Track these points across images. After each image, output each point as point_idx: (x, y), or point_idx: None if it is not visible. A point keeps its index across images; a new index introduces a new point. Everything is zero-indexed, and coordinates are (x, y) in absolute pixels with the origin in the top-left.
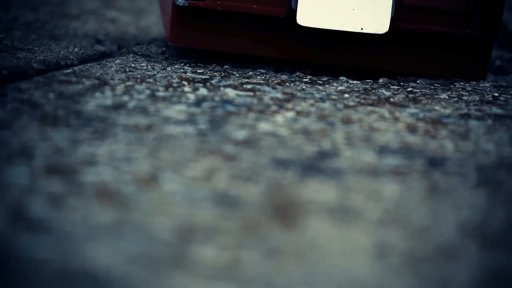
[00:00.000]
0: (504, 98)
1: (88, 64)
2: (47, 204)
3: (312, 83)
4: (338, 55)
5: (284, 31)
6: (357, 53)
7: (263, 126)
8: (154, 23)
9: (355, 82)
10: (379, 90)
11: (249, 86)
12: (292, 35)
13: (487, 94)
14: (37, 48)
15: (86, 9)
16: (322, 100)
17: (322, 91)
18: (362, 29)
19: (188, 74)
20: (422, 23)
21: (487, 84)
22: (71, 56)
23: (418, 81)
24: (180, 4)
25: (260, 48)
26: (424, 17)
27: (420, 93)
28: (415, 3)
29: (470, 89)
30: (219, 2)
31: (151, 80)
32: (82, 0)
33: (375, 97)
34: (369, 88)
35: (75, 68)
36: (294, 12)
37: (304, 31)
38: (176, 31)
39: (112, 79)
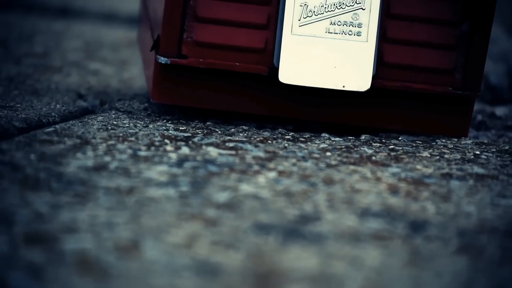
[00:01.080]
0: (485, 157)
1: (70, 122)
2: (27, 276)
3: (294, 140)
4: (320, 111)
5: (267, 88)
6: (339, 109)
7: (245, 187)
8: (137, 74)
9: (337, 139)
10: (361, 148)
11: (231, 144)
12: (275, 92)
13: (469, 152)
14: (19, 105)
15: (69, 61)
16: (304, 159)
17: (304, 149)
18: (344, 86)
19: (170, 131)
20: (404, 81)
21: (469, 142)
22: (53, 113)
23: (400, 138)
24: (162, 62)
25: (242, 104)
26: (406, 74)
27: (402, 150)
28: (396, 61)
29: (452, 146)
30: (201, 60)
31: (133, 138)
32: (64, 51)
33: (357, 156)
34: (351, 145)
35: (57, 126)
36: (276, 69)
37: (286, 88)
38: (158, 89)
39: (94, 138)
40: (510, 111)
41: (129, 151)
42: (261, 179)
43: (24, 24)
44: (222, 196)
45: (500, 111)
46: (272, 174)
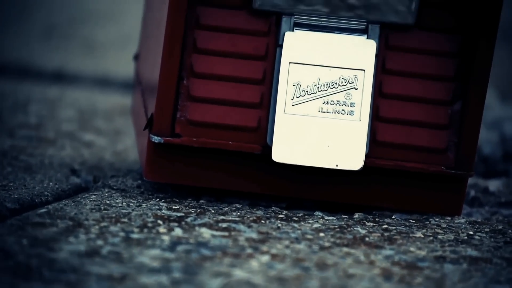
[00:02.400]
0: (479, 237)
1: (63, 202)
2: None
3: (287, 219)
4: (313, 190)
5: (260, 166)
6: (333, 188)
7: (238, 273)
8: (130, 146)
9: (330, 218)
10: (355, 228)
11: (224, 225)
12: (268, 170)
13: (462, 232)
14: (12, 184)
15: (63, 132)
16: (297, 240)
17: (298, 229)
18: (337, 165)
19: (163, 211)
20: (396, 159)
21: (462, 220)
22: (46, 192)
23: (393, 217)
24: (156, 141)
25: (236, 183)
26: (398, 153)
27: (395, 230)
28: (389, 140)
29: (445, 226)
30: (194, 139)
31: (126, 219)
32: (58, 122)
33: (350, 236)
34: (345, 225)
35: (50, 206)
36: (269, 148)
37: (280, 166)
38: (151, 168)
39: (87, 219)
40: (503, 185)
41: (122, 234)
42: (254, 263)
43: (19, 91)
44: (215, 283)
45: (493, 185)
46: (265, 258)
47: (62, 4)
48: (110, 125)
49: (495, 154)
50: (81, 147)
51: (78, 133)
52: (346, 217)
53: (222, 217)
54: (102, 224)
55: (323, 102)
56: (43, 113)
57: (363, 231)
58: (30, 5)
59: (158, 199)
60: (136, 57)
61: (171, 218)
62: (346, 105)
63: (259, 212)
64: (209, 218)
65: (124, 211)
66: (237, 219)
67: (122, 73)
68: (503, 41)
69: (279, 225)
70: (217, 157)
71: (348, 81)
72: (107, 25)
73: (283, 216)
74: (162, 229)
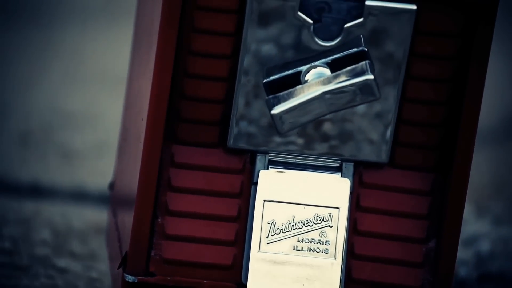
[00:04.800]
0: None
1: None
2: None
3: None
4: None
5: None
6: None
7: None
8: (106, 273)
9: None
10: None
11: None
12: None
13: None
14: None
15: (37, 257)
16: None
17: None
18: None
19: None
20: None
21: None
22: None
23: None
24: (130, 281)
25: None
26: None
27: None
28: (364, 277)
29: None
30: (169, 278)
31: None
32: (32, 245)
33: None
34: None
35: None
36: (244, 286)
37: None
38: None
39: None
40: None
41: None
42: None
43: None
44: None
45: None
46: None
47: (38, 109)
48: (85, 248)
49: (471, 276)
50: (55, 275)
51: (52, 259)
52: None
53: None
54: None
55: (298, 240)
56: (16, 236)
57: None
58: (4, 111)
59: None
60: (111, 186)
61: None
62: (321, 243)
63: None
64: None
65: None
66: None
67: (98, 185)
68: (481, 145)
69: None
70: None
71: (323, 219)
72: (84, 130)
73: None
74: None
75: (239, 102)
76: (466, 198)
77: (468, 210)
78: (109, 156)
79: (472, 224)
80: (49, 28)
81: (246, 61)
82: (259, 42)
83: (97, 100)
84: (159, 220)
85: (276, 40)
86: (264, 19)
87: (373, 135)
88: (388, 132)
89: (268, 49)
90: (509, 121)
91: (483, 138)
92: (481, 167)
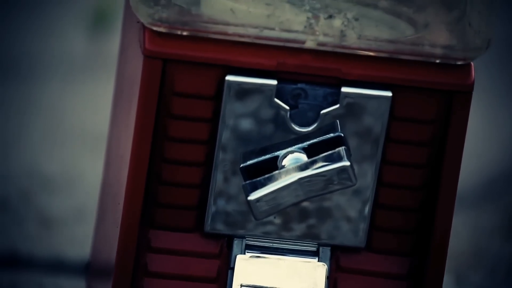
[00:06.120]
0: None
1: None
2: None
3: None
4: None
5: None
6: None
7: None
8: None
9: None
10: None
11: None
12: None
13: None
14: None
15: None
16: None
17: None
18: None
19: None
20: None
21: None
22: None
23: None
24: None
25: None
26: None
27: None
28: None
29: None
30: None
31: None
32: None
33: None
34: None
35: None
36: None
37: None
38: None
39: None
40: None
41: None
42: None
43: None
44: None
45: None
46: None
47: (15, 173)
48: None
49: None
50: None
51: None
52: None
53: None
54: None
55: None
56: None
57: None
58: None
59: None
60: (87, 267)
61: None
62: None
63: None
64: None
65: None
66: None
67: (77, 254)
68: (459, 208)
69: None
70: None
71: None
72: (62, 194)
73: None
74: None
75: (216, 186)
76: (445, 268)
77: (447, 281)
78: (89, 221)
79: None
80: (28, 84)
81: (223, 146)
82: (236, 127)
83: (76, 161)
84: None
85: (253, 126)
86: (241, 105)
87: (350, 219)
88: (365, 217)
89: (244, 134)
90: (488, 184)
91: (461, 201)
92: (459, 233)
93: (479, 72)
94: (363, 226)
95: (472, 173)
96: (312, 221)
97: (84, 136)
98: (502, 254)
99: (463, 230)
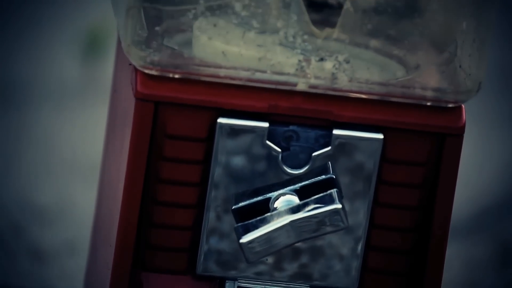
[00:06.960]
0: None
1: None
2: None
3: None
4: None
5: None
6: None
7: None
8: None
9: None
10: None
11: None
12: None
13: None
14: None
15: None
16: None
17: None
18: None
19: None
20: None
21: None
22: None
23: None
24: None
25: None
26: None
27: None
28: None
29: None
30: None
31: None
32: None
33: None
34: None
35: None
36: None
37: None
38: None
39: None
40: None
41: None
42: None
43: None
44: None
45: None
46: None
47: (7, 204)
48: None
49: None
50: None
51: None
52: None
53: None
54: None
55: None
56: None
57: None
58: None
59: None
60: None
61: None
62: None
63: None
64: None
65: None
66: None
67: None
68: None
69: None
70: None
71: None
72: (55, 226)
73: None
74: None
75: (208, 229)
76: None
77: None
78: (81, 254)
79: None
80: (20, 112)
81: (215, 188)
82: (228, 169)
83: (69, 191)
84: None
85: (245, 167)
86: (233, 147)
87: (342, 258)
88: (358, 256)
89: (236, 176)
90: (481, 214)
91: (453, 231)
92: (452, 264)
93: (471, 101)
94: (355, 265)
95: (464, 203)
96: (304, 259)
97: (76, 165)
98: (495, 286)
99: (456, 261)
